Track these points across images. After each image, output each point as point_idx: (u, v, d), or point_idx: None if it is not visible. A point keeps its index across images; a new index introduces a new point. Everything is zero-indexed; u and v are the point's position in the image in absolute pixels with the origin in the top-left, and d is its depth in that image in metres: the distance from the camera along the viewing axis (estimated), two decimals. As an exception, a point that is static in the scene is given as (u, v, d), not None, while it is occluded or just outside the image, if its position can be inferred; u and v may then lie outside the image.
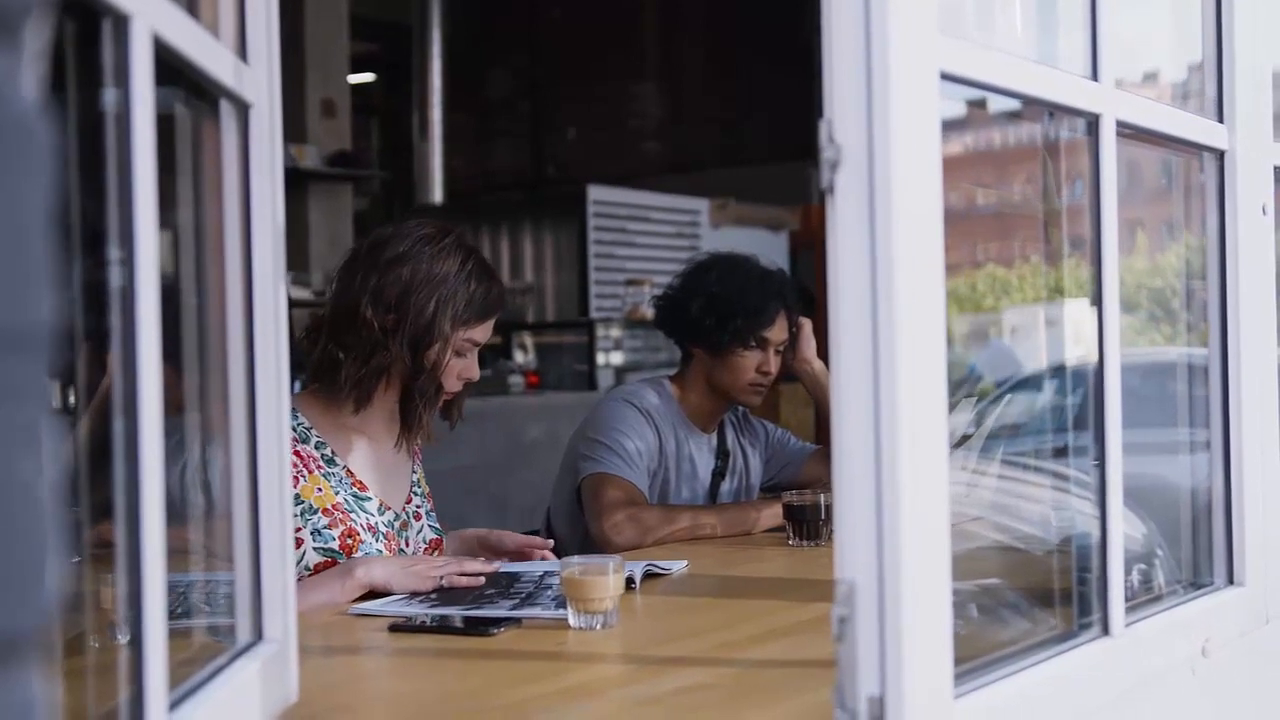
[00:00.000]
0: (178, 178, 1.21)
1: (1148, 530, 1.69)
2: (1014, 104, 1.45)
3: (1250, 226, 1.72)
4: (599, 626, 1.73)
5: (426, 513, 2.31)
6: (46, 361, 0.61)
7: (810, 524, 2.46)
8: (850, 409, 1.08)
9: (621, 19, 9.45)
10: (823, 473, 2.83)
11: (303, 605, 1.73)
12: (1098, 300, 1.43)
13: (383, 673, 1.71)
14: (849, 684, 1.08)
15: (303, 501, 2.09)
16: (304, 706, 1.35)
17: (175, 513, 1.04)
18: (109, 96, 0.94)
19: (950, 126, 1.22)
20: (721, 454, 2.91)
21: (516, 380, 6.48)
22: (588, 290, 7.61)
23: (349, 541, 2.11)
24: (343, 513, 2.13)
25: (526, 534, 2.41)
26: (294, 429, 2.11)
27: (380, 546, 2.16)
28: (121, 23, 0.92)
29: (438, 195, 8.36)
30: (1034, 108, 1.48)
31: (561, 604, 1.78)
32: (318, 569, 2.07)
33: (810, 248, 7.78)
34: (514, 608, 1.85)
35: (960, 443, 1.87)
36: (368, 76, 9.85)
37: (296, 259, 6.69)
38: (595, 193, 7.67)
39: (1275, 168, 1.78)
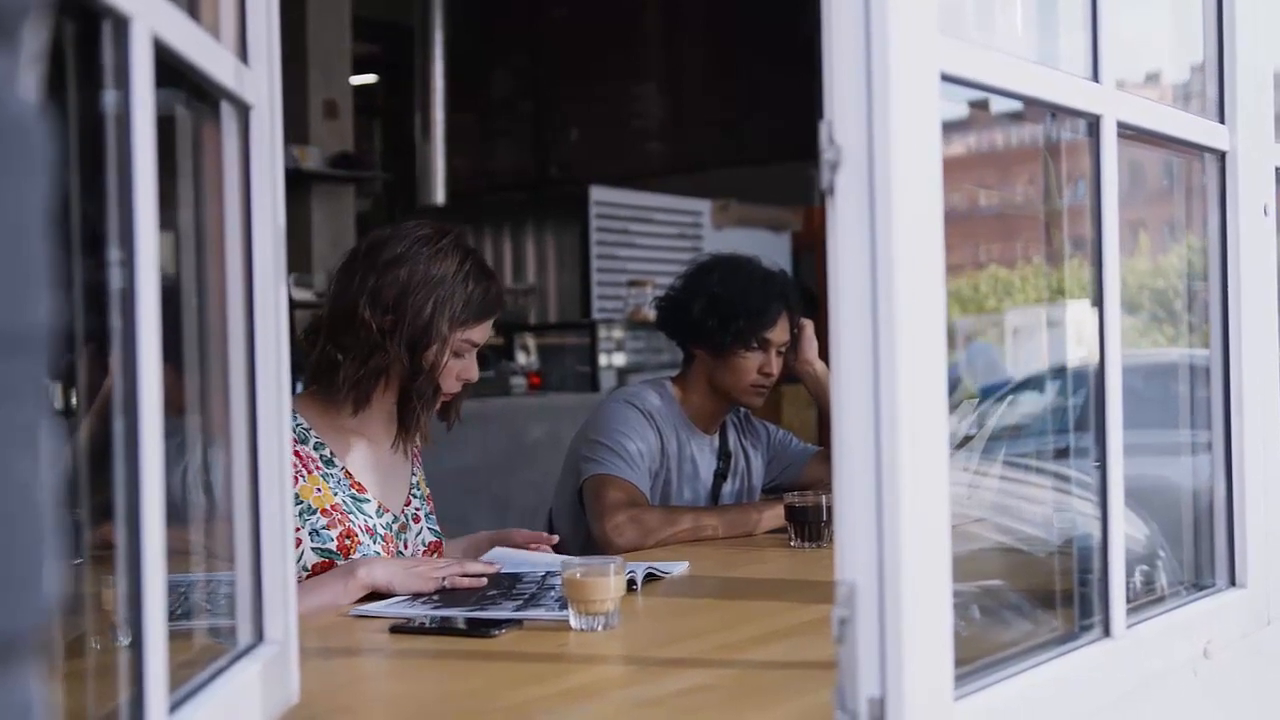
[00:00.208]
0: (179, 179, 1.21)
1: (1149, 531, 1.69)
2: (1016, 105, 1.45)
3: (1252, 227, 1.72)
4: (600, 628, 1.73)
5: (426, 515, 2.31)
6: (45, 363, 0.61)
7: (812, 525, 2.47)
8: (850, 410, 1.08)
9: (623, 19, 9.45)
10: (824, 474, 2.83)
11: (305, 606, 1.73)
12: (1099, 301, 1.42)
13: (384, 674, 1.71)
14: (849, 685, 1.08)
15: (301, 501, 2.09)
16: (305, 708, 1.35)
17: (176, 514, 1.04)
18: (109, 98, 0.94)
19: (952, 127, 1.22)
20: (723, 455, 2.91)
21: (518, 381, 6.48)
22: (590, 291, 7.62)
23: (347, 542, 2.11)
24: (341, 514, 2.13)
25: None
26: (293, 429, 2.11)
27: (378, 548, 2.15)
28: (121, 24, 0.92)
29: (440, 196, 8.36)
30: (1036, 108, 1.48)
31: (565, 605, 1.78)
32: (316, 569, 2.07)
33: (813, 249, 7.79)
34: (517, 609, 1.85)
35: (962, 444, 1.87)
36: (370, 78, 9.85)
37: (299, 260, 6.69)
38: (597, 193, 7.68)
39: (1276, 168, 1.78)
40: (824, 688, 1.13)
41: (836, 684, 1.09)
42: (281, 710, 1.31)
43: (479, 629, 1.75)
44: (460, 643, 1.72)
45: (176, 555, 1.05)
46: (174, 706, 1.01)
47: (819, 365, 2.90)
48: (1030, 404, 2.03)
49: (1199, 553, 1.75)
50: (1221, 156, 1.70)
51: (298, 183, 6.88)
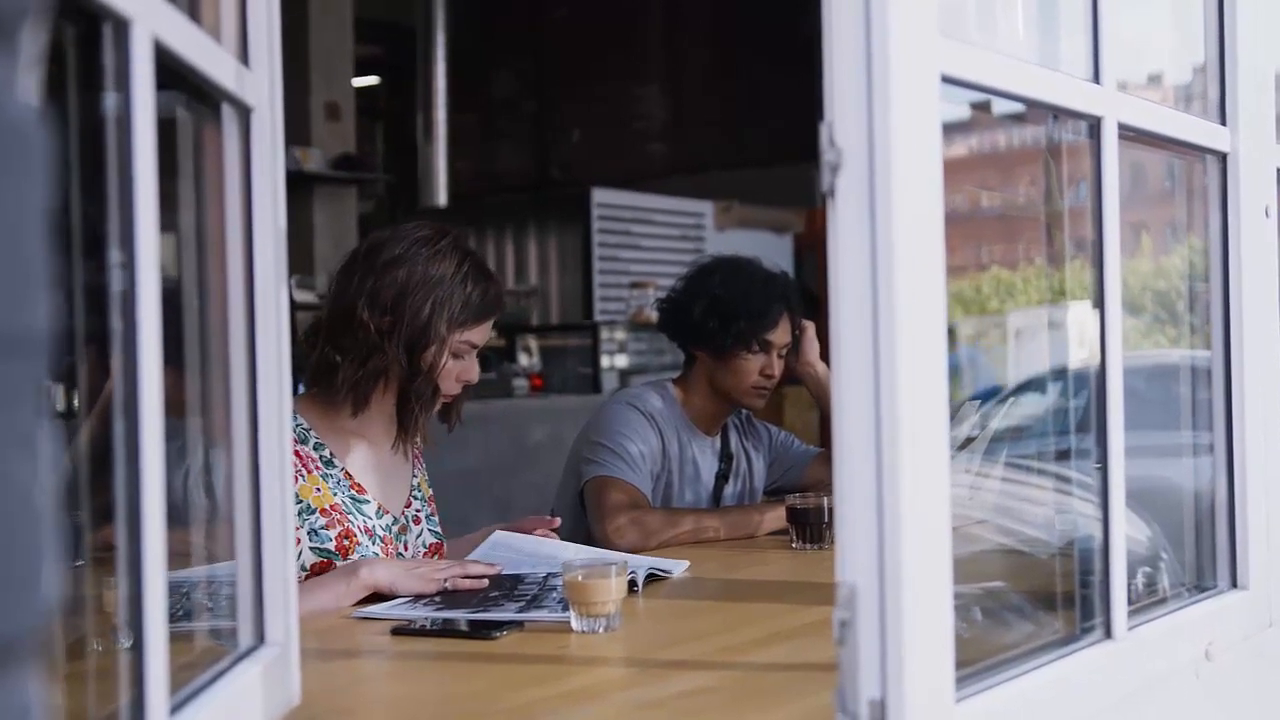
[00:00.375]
0: (179, 181, 1.21)
1: (1151, 533, 1.69)
2: (1017, 106, 1.45)
3: (1253, 228, 1.72)
4: (602, 630, 1.73)
5: (426, 517, 2.31)
6: (44, 365, 0.61)
7: (813, 527, 2.46)
8: (850, 411, 1.08)
9: (625, 20, 9.45)
10: (826, 475, 2.83)
11: (306, 606, 1.73)
12: (1100, 303, 1.42)
13: (385, 676, 1.71)
14: (850, 687, 1.08)
15: (301, 501, 2.09)
16: (306, 710, 1.35)
17: (178, 516, 1.04)
18: (110, 100, 0.94)
19: (954, 129, 1.22)
20: (725, 457, 2.91)
21: (520, 383, 6.48)
22: (592, 293, 7.62)
23: (345, 543, 2.11)
24: (340, 514, 2.13)
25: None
26: (293, 430, 2.11)
27: (376, 549, 2.15)
28: (122, 27, 0.92)
29: (442, 198, 8.36)
30: (1037, 110, 1.48)
31: (567, 606, 1.78)
32: (314, 569, 2.07)
33: (815, 250, 7.78)
34: (519, 610, 1.85)
35: (964, 445, 1.87)
36: (372, 79, 9.86)
37: (301, 262, 6.70)
38: (599, 195, 7.68)
39: (1278, 170, 1.78)
40: (825, 690, 1.13)
41: (837, 686, 1.09)
42: (282, 712, 1.31)
43: (480, 630, 1.75)
44: (462, 644, 1.72)
45: (178, 557, 1.05)
46: (175, 709, 1.01)
47: (820, 367, 2.89)
48: (1032, 405, 2.02)
49: (1200, 554, 1.75)
50: (1223, 158, 1.70)
51: (300, 184, 6.89)
